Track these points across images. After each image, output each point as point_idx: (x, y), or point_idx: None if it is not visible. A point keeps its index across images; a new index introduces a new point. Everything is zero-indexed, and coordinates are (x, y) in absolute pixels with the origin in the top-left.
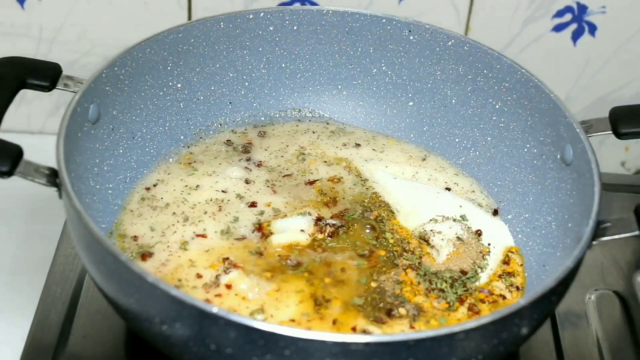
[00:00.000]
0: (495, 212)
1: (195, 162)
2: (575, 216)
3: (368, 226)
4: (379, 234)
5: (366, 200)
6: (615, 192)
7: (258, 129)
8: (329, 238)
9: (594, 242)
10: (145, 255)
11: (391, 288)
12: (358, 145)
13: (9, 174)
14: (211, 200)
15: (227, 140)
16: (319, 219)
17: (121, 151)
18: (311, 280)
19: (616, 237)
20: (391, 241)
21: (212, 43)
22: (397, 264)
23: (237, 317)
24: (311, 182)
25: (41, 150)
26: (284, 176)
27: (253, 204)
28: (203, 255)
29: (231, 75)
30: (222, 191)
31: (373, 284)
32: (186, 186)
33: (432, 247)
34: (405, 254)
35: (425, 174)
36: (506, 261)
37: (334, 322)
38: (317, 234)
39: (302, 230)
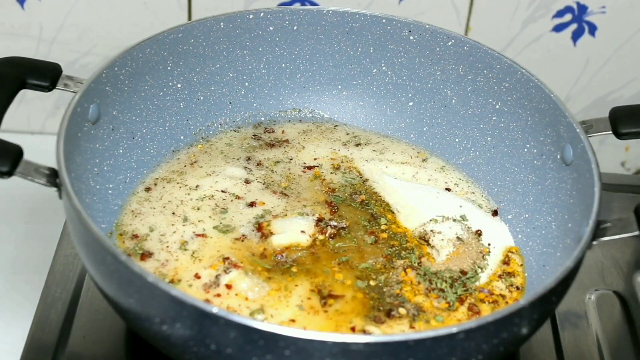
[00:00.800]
0: (495, 213)
1: (195, 162)
2: (575, 216)
3: (367, 223)
4: (376, 226)
5: (356, 185)
6: (615, 192)
7: (258, 129)
8: (330, 239)
9: (594, 242)
10: (145, 255)
11: (391, 288)
12: (358, 145)
13: (9, 174)
14: (211, 200)
15: (253, 135)
16: (319, 220)
17: (121, 151)
18: (312, 280)
19: (616, 237)
20: (384, 227)
21: (212, 43)
22: (397, 264)
23: (237, 317)
24: (309, 168)
25: (41, 150)
26: (283, 176)
27: (253, 204)
28: (203, 256)
29: (231, 75)
30: (222, 191)
31: (372, 282)
32: (186, 186)
33: (432, 247)
34: (404, 253)
35: (425, 174)
36: (506, 261)
37: (336, 319)
38: (317, 235)
39: (302, 231)
